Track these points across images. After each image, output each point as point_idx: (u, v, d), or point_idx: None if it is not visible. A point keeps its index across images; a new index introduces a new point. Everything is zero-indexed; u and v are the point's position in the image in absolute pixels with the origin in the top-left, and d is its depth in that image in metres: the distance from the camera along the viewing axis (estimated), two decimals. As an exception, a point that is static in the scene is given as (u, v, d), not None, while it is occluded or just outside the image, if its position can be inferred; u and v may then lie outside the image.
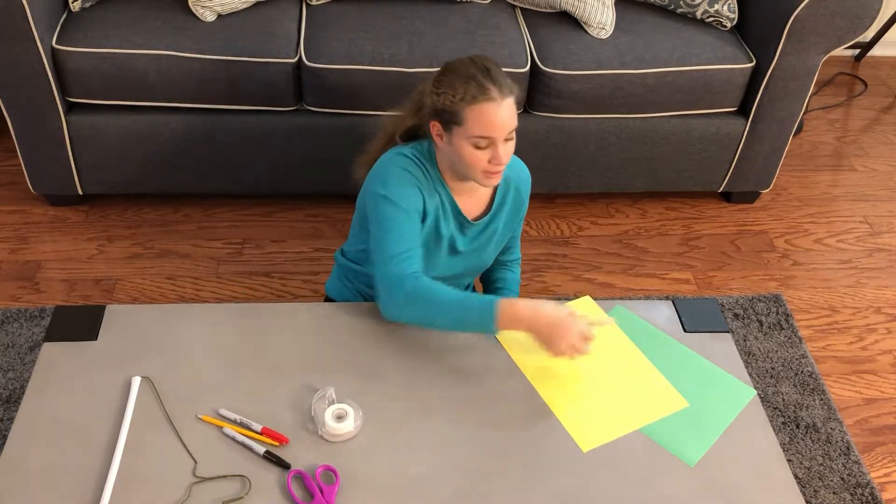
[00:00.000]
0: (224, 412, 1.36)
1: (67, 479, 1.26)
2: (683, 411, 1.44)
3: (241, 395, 1.40)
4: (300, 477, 1.29)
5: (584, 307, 1.61)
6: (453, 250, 1.69)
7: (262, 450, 1.31)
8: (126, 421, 1.33)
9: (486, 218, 1.68)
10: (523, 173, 1.73)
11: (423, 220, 1.59)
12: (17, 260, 2.40)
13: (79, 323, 1.49)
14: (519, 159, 1.74)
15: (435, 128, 1.53)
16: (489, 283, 1.90)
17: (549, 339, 1.40)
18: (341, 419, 1.34)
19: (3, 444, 1.46)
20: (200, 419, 1.35)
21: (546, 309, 1.41)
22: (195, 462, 1.29)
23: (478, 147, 1.48)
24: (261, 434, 1.33)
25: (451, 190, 1.62)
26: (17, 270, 2.37)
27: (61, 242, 2.46)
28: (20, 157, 2.39)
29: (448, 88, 1.48)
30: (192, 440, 1.32)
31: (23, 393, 1.86)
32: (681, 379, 1.49)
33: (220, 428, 1.34)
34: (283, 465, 1.30)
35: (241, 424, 1.35)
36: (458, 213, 1.64)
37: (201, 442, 1.32)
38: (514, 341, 1.52)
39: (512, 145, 1.53)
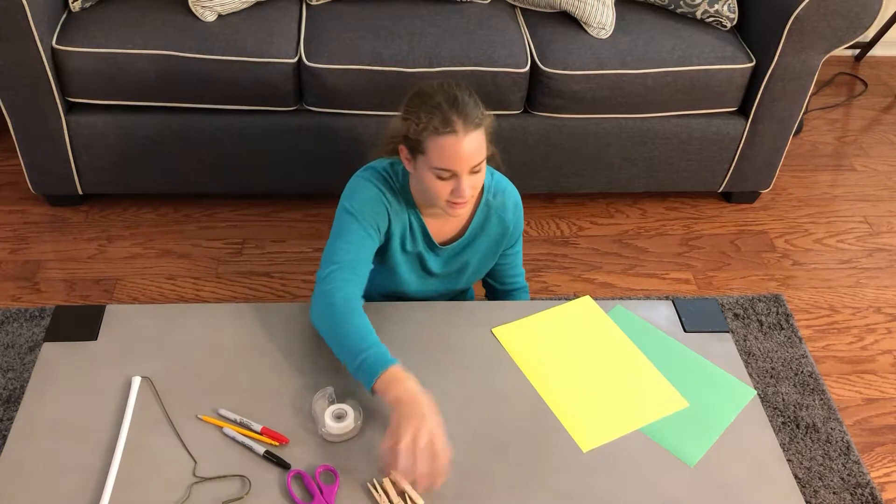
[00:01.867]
0: (224, 412, 1.36)
1: (67, 479, 1.26)
2: (683, 411, 1.44)
3: (242, 395, 1.40)
4: (300, 477, 1.29)
5: (584, 307, 1.61)
6: (426, 270, 1.67)
7: (262, 450, 1.31)
8: (126, 421, 1.33)
9: (460, 242, 1.65)
10: (509, 201, 1.65)
11: (387, 239, 1.57)
12: (17, 260, 2.40)
13: (79, 323, 1.49)
14: (510, 184, 1.68)
15: (403, 152, 1.50)
16: None
17: (402, 421, 1.25)
18: (341, 419, 1.34)
19: (3, 444, 1.46)
20: (200, 419, 1.35)
21: (421, 395, 1.28)
22: (195, 462, 1.29)
23: (440, 178, 1.45)
24: (261, 434, 1.33)
25: (422, 212, 1.59)
26: (17, 270, 2.37)
27: (61, 242, 2.46)
28: (20, 157, 2.39)
29: (414, 116, 1.44)
30: (192, 440, 1.32)
31: (23, 393, 1.86)
32: (681, 379, 1.49)
33: (220, 428, 1.34)
34: (283, 465, 1.30)
35: (241, 424, 1.35)
36: (426, 235, 1.61)
37: (201, 442, 1.32)
38: (513, 340, 1.52)
39: (480, 177, 1.48)
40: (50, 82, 2.21)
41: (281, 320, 1.52)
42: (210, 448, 1.32)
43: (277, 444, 1.32)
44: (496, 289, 1.84)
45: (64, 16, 2.28)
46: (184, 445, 1.32)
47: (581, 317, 1.59)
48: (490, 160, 1.68)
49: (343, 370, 1.44)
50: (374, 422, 1.37)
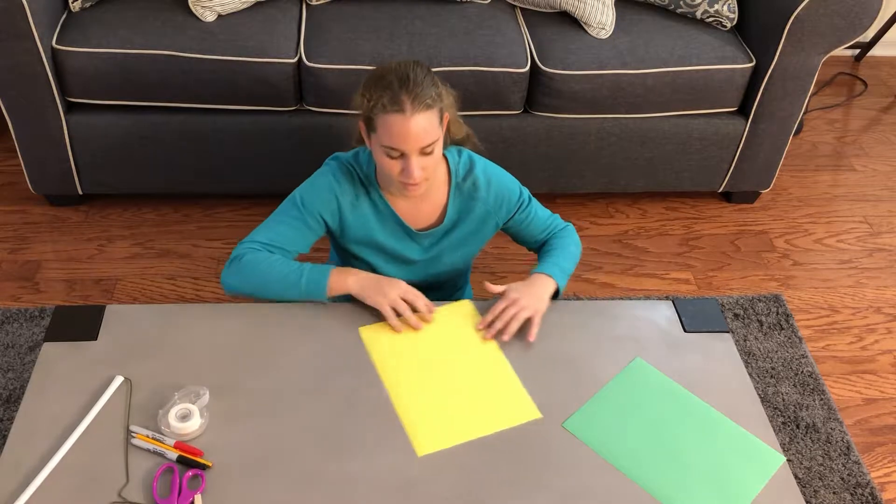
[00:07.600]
0: (135, 428, 1.32)
1: (67, 479, 1.26)
2: (705, 478, 1.32)
3: (242, 394, 1.40)
4: (172, 470, 1.26)
5: (461, 310, 1.56)
6: (404, 260, 1.66)
7: (174, 455, 1.28)
8: (90, 416, 1.32)
9: (440, 229, 1.64)
10: (480, 179, 1.63)
11: (343, 229, 1.60)
12: (17, 260, 2.40)
13: (79, 323, 1.49)
14: (479, 161, 1.65)
15: (362, 130, 1.52)
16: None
17: (374, 290, 1.42)
18: (186, 419, 1.31)
19: (3, 444, 1.46)
20: (135, 436, 1.31)
21: (372, 274, 1.49)
22: (127, 481, 1.25)
23: (390, 157, 1.46)
24: (174, 448, 1.29)
25: (391, 196, 1.59)
26: (17, 270, 2.37)
27: (61, 242, 2.46)
28: (20, 157, 2.39)
29: (367, 93, 1.46)
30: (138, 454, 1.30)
31: (23, 393, 1.85)
32: (701, 442, 1.38)
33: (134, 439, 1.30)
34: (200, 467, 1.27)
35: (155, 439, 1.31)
36: (397, 220, 1.61)
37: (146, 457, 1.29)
38: (376, 339, 1.48)
39: (431, 160, 1.47)
40: (50, 82, 2.21)
41: (281, 320, 1.52)
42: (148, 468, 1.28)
43: (196, 457, 1.28)
44: (533, 248, 1.76)
45: (64, 16, 2.28)
46: (125, 460, 1.28)
47: (454, 320, 1.54)
48: (465, 142, 1.67)
49: (342, 370, 1.44)
50: (374, 421, 1.37)
